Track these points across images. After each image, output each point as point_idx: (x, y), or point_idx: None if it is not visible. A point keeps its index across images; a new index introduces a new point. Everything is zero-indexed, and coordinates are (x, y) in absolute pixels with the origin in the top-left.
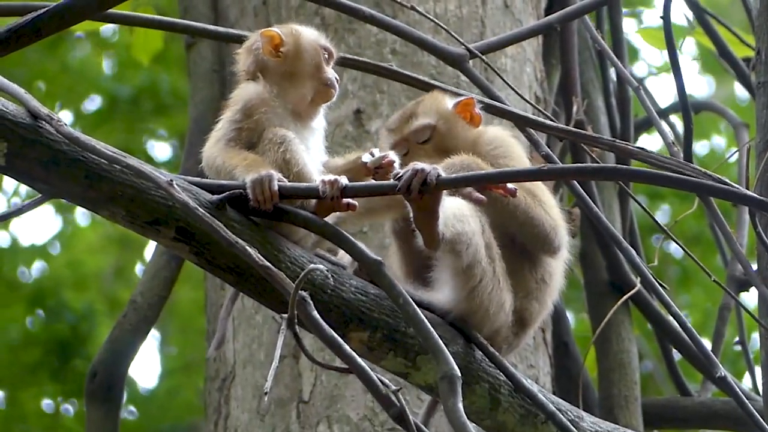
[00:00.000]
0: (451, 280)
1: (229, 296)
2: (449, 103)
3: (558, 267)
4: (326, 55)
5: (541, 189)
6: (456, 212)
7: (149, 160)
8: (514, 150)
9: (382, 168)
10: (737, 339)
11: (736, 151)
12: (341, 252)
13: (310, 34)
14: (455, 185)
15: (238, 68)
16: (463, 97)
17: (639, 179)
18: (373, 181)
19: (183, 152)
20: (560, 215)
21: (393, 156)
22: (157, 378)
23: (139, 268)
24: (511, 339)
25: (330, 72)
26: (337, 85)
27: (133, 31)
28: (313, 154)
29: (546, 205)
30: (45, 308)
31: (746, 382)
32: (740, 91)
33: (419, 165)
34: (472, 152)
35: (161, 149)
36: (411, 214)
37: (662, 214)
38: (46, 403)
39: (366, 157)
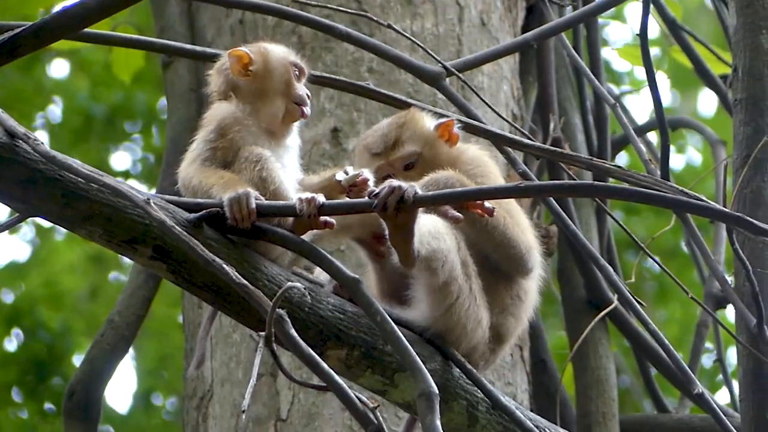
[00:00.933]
0: (428, 298)
1: (207, 315)
2: (430, 124)
3: (533, 283)
4: (296, 72)
5: (517, 210)
6: (431, 229)
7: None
8: (492, 170)
9: (356, 186)
10: (715, 355)
11: (712, 168)
12: (317, 270)
13: (279, 52)
14: (432, 203)
15: (210, 89)
16: (444, 120)
17: (616, 196)
18: (350, 199)
19: (159, 171)
20: (534, 237)
21: (367, 174)
22: (134, 397)
23: (113, 277)
24: (488, 355)
25: (301, 89)
26: (308, 102)
27: (112, 50)
28: (289, 172)
29: (521, 226)
30: (21, 327)
31: (722, 397)
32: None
33: (395, 182)
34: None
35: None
36: (386, 232)
37: (639, 226)
38: (24, 423)
39: (340, 176)
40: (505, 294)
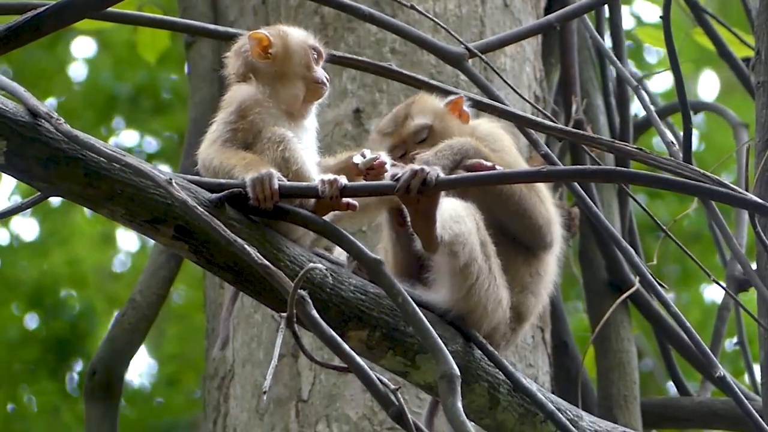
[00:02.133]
0: (449, 280)
1: (229, 296)
2: (439, 102)
3: (551, 259)
4: (315, 55)
5: (538, 185)
6: (452, 213)
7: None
8: (507, 144)
9: (373, 169)
10: (736, 339)
11: (735, 151)
12: (337, 249)
13: (298, 35)
14: (455, 186)
15: (227, 71)
16: (453, 96)
17: (638, 182)
18: (372, 182)
19: (182, 151)
20: (555, 210)
21: (384, 157)
22: (156, 376)
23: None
24: (509, 335)
25: (320, 71)
26: (327, 84)
27: (137, 30)
28: (309, 153)
29: (541, 197)
30: (43, 306)
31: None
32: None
33: (418, 166)
34: None
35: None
36: (408, 218)
37: (662, 209)
38: (46, 402)
39: (357, 158)
40: (524, 271)
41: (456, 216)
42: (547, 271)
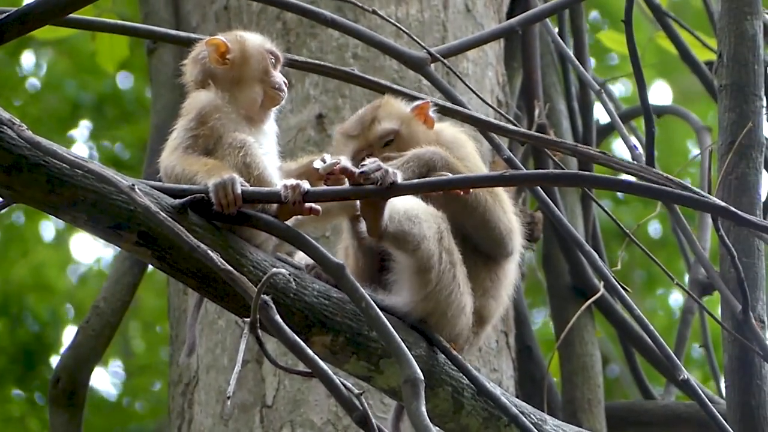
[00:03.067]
0: (408, 283)
1: (194, 302)
2: (405, 107)
3: (512, 264)
4: (273, 59)
5: (500, 190)
6: (408, 210)
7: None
8: (470, 150)
9: (333, 174)
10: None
11: (698, 155)
12: (299, 254)
13: (255, 39)
14: (417, 190)
15: (186, 79)
16: (419, 101)
17: (601, 186)
18: (334, 187)
19: (145, 158)
20: (516, 220)
21: (345, 162)
22: (121, 383)
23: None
24: (472, 338)
25: (278, 76)
26: (285, 88)
27: (95, 37)
28: (270, 158)
29: (504, 207)
30: (9, 315)
31: (712, 389)
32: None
33: (383, 164)
34: None
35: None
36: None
37: (627, 215)
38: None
39: (317, 164)
40: (485, 276)
41: (412, 215)
42: (507, 276)
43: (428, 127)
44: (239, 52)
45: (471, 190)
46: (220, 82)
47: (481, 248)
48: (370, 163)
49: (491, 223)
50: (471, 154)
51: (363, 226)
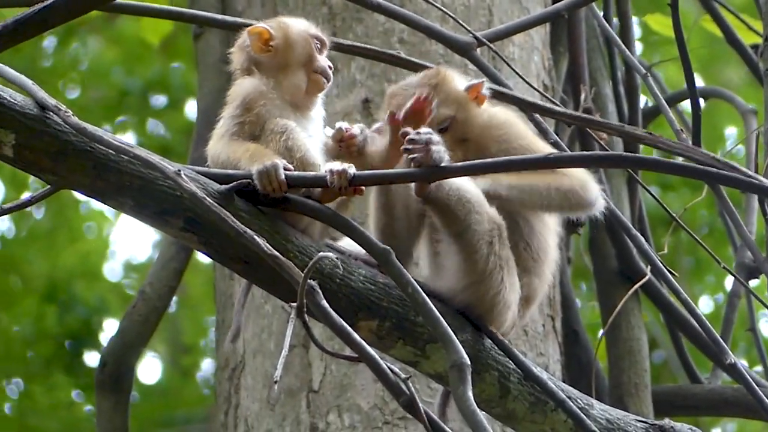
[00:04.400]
0: (457, 268)
1: (242, 287)
2: (461, 86)
3: (551, 240)
4: (318, 44)
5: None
6: (461, 188)
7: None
8: (523, 128)
9: (343, 141)
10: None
11: (744, 138)
12: (346, 239)
13: (299, 25)
14: (462, 174)
15: (233, 66)
16: (475, 81)
17: (646, 167)
18: (381, 170)
19: (191, 142)
20: (583, 172)
21: (355, 129)
22: (168, 368)
23: None
24: (518, 320)
25: (323, 60)
26: (330, 73)
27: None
28: (315, 142)
29: (560, 171)
30: (57, 302)
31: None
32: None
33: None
34: (485, 134)
35: None
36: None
37: (675, 201)
38: (60, 396)
39: (327, 130)
40: (526, 256)
41: (464, 198)
42: (548, 253)
43: (479, 104)
44: (282, 39)
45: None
46: (264, 69)
47: (563, 216)
48: (425, 132)
49: (567, 190)
50: (524, 132)
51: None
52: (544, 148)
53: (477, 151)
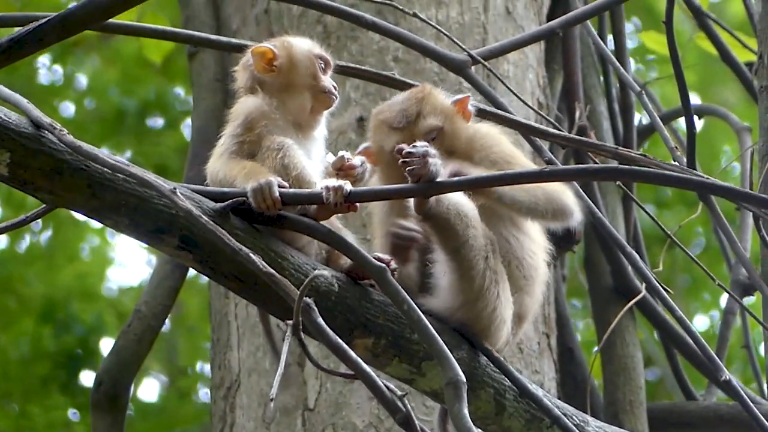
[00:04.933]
0: (453, 286)
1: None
2: (448, 100)
3: (541, 259)
4: (322, 64)
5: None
6: (459, 204)
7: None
8: (504, 141)
9: (342, 170)
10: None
11: (739, 156)
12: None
13: (303, 45)
14: (458, 188)
15: (236, 85)
16: (461, 96)
17: (641, 179)
18: (379, 187)
19: (186, 161)
20: (561, 185)
21: (356, 161)
22: (165, 387)
23: None
24: (510, 336)
25: (327, 80)
26: (335, 93)
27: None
28: (315, 163)
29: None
30: (54, 321)
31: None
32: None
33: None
34: (469, 148)
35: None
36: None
37: (670, 219)
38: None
39: (329, 157)
40: (518, 275)
41: (462, 212)
42: (538, 272)
43: (465, 119)
44: (286, 59)
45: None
46: (268, 89)
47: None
48: (421, 146)
49: (552, 197)
50: (504, 142)
51: (410, 203)
52: (522, 158)
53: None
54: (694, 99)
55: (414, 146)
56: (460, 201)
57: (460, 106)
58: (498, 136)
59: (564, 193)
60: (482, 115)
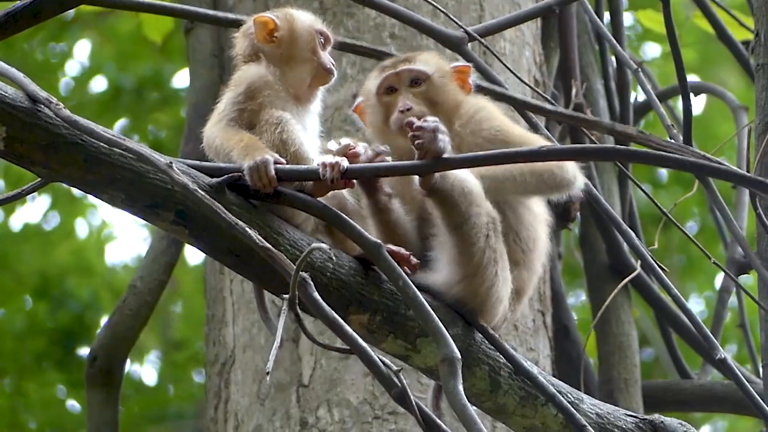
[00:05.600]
0: (451, 261)
1: (257, 296)
2: (447, 62)
3: (541, 231)
4: (322, 39)
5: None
6: (465, 181)
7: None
8: (496, 112)
9: (346, 156)
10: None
11: (735, 134)
12: None
13: (305, 19)
14: (461, 166)
15: (235, 52)
16: (461, 63)
17: (638, 160)
18: (374, 163)
19: (182, 137)
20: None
21: (360, 148)
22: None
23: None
24: (509, 315)
25: (326, 56)
26: (334, 69)
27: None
28: (311, 136)
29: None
30: (50, 297)
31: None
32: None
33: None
34: (455, 116)
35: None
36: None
37: (666, 199)
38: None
39: (332, 145)
40: (516, 248)
41: (467, 189)
42: (537, 244)
43: (465, 92)
44: (287, 31)
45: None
46: (269, 58)
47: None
48: (431, 120)
49: (545, 171)
50: (494, 115)
51: (416, 180)
52: (516, 129)
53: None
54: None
55: (425, 120)
56: (466, 178)
57: (460, 74)
58: (490, 109)
59: (559, 163)
60: (479, 91)
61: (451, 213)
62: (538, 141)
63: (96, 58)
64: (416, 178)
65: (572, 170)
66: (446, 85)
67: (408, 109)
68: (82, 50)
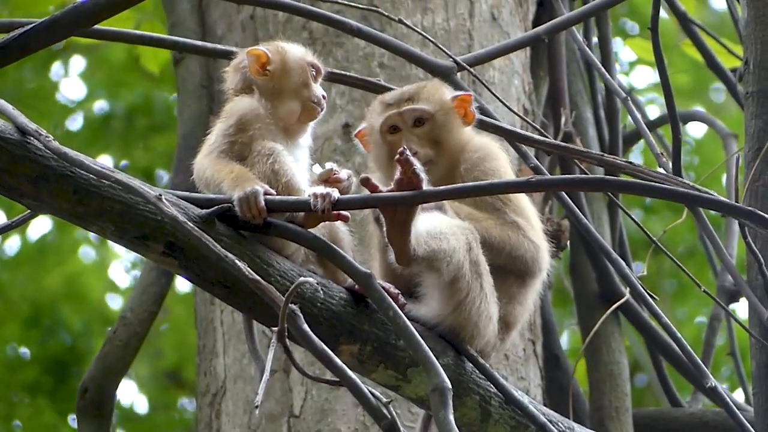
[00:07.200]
0: (437, 295)
1: (246, 326)
2: (449, 94)
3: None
4: (314, 72)
5: (523, 207)
6: (430, 229)
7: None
8: (500, 156)
9: (328, 182)
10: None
11: (724, 162)
12: None
13: (297, 52)
14: (443, 197)
15: (226, 86)
16: (462, 92)
17: (628, 190)
18: (364, 194)
19: (171, 168)
20: (542, 236)
21: (342, 174)
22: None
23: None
24: (498, 345)
25: (317, 89)
26: (324, 103)
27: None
28: (301, 168)
29: (530, 224)
30: (41, 327)
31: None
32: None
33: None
34: (460, 157)
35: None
36: (384, 228)
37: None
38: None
39: (316, 168)
40: (511, 282)
41: (435, 232)
42: (532, 281)
43: (467, 121)
44: (280, 64)
45: (494, 234)
46: (261, 91)
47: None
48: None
49: (518, 257)
50: (499, 159)
51: (391, 255)
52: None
53: (448, 169)
54: (687, 103)
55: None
56: (431, 225)
57: (461, 103)
58: (492, 151)
59: (535, 254)
60: None
61: (436, 263)
62: (528, 211)
63: (88, 84)
64: (392, 255)
65: (544, 264)
66: (449, 123)
67: (414, 154)
68: (73, 80)
